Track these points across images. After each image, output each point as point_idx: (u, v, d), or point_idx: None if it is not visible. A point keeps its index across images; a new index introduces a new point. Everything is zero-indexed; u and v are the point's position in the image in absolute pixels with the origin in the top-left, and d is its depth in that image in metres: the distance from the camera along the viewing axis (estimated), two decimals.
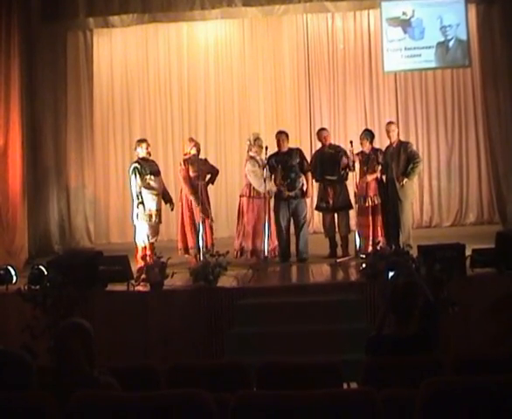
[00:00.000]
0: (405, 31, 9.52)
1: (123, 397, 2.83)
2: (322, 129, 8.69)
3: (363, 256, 7.16)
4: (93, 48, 10.19)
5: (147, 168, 7.88)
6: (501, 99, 9.45)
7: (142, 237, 7.85)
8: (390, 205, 7.99)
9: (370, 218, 7.97)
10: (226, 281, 6.74)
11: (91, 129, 10.18)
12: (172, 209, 8.25)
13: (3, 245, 8.56)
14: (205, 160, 8.40)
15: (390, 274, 6.08)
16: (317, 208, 8.53)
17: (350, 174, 8.14)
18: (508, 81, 9.26)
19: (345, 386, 3.84)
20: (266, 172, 7.83)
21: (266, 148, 7.91)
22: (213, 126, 10.92)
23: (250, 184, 8.03)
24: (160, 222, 8.03)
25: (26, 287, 6.33)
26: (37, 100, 9.47)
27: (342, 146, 8.47)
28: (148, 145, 8.08)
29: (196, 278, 6.57)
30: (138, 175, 7.79)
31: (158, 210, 7.95)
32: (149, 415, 2.64)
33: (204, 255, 7.50)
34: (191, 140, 8.42)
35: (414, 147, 8.55)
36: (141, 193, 7.78)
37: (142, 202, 7.77)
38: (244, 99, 10.91)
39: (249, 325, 6.24)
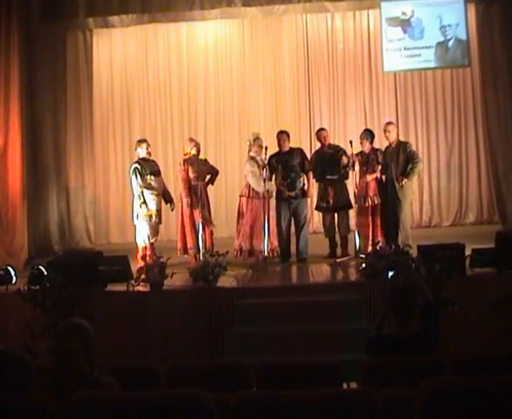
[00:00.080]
0: (405, 31, 9.52)
1: (123, 397, 2.83)
2: (322, 129, 8.70)
3: (363, 256, 7.16)
4: (92, 48, 10.18)
5: (147, 168, 7.90)
6: (500, 99, 9.45)
7: (143, 237, 7.87)
8: (389, 205, 7.99)
9: (370, 218, 7.97)
10: (226, 281, 6.74)
11: (90, 129, 10.18)
12: (173, 209, 8.26)
13: (2, 245, 8.56)
14: (205, 160, 8.40)
15: (390, 274, 6.08)
16: (317, 208, 8.53)
17: (350, 173, 8.15)
18: (507, 81, 9.26)
19: (345, 386, 3.84)
20: (265, 172, 7.83)
21: (266, 148, 7.91)
22: (213, 126, 10.92)
23: (249, 184, 8.03)
24: (160, 222, 8.04)
25: (26, 287, 6.33)
26: (36, 100, 9.47)
27: (342, 146, 8.49)
28: (149, 145, 8.09)
29: (195, 278, 6.57)
30: (139, 176, 7.82)
31: (158, 211, 7.96)
32: (149, 415, 2.65)
33: (203, 255, 7.51)
34: (191, 140, 8.42)
35: (413, 147, 8.55)
36: (142, 193, 7.80)
37: (145, 202, 7.78)
38: (243, 99, 10.91)
39: (249, 325, 6.24)
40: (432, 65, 9.76)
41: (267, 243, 7.76)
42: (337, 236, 8.23)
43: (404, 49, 9.53)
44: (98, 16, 9.52)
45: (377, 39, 10.18)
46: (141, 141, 8.14)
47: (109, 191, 10.88)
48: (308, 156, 8.49)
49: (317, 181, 8.30)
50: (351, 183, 8.18)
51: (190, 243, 8.00)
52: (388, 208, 7.99)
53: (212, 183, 8.39)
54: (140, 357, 6.09)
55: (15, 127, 8.78)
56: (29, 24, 9.25)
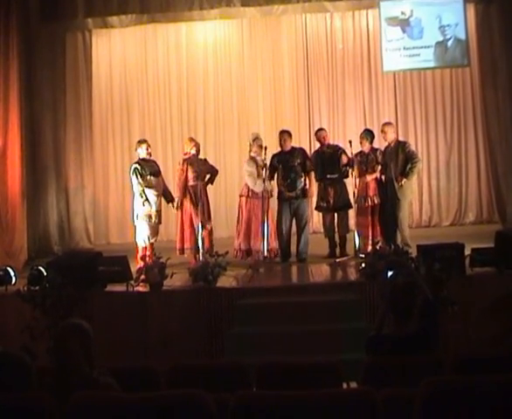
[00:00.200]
0: (404, 31, 9.52)
1: (123, 398, 2.83)
2: (321, 129, 8.71)
3: (363, 255, 7.16)
4: (91, 48, 10.17)
5: (147, 168, 7.93)
6: (499, 99, 9.46)
7: (143, 237, 7.88)
8: (388, 205, 7.99)
9: (370, 218, 7.98)
10: (226, 281, 6.74)
11: (90, 129, 10.18)
12: (177, 208, 8.20)
13: (2, 246, 8.55)
14: (205, 160, 8.40)
15: (390, 274, 6.07)
16: (317, 207, 8.52)
17: (350, 173, 8.15)
18: (506, 80, 9.26)
19: (345, 386, 3.84)
20: (264, 172, 7.82)
21: (266, 148, 7.90)
22: (212, 126, 10.91)
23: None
24: (160, 222, 8.05)
25: (26, 288, 6.33)
26: (36, 101, 9.47)
27: (341, 145, 8.49)
28: (149, 146, 8.12)
29: (195, 279, 6.57)
30: (139, 176, 7.83)
31: (158, 211, 7.97)
32: (149, 415, 2.64)
33: (203, 255, 7.50)
34: (191, 140, 8.42)
35: (412, 147, 8.55)
36: (144, 191, 7.81)
37: (147, 200, 7.80)
38: (243, 99, 10.90)
39: (249, 325, 6.24)
40: (432, 64, 9.76)
41: (267, 243, 7.76)
42: (337, 236, 8.23)
43: (404, 49, 9.53)
44: (97, 16, 9.51)
45: (376, 39, 10.18)
46: (141, 142, 8.16)
47: (109, 191, 10.87)
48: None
49: (317, 180, 8.30)
50: (351, 183, 8.18)
51: (187, 244, 8.00)
52: (387, 207, 7.99)
53: (212, 183, 8.39)
54: (139, 357, 6.08)
55: (14, 127, 8.78)
56: (28, 24, 9.25)
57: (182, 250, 8.05)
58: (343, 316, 6.17)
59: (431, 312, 3.90)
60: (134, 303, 6.51)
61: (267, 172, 7.88)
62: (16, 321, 6.22)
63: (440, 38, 9.46)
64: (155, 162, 8.19)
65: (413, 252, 6.67)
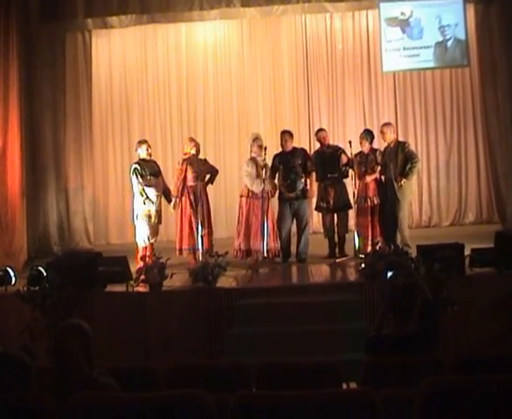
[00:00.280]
0: (404, 31, 9.52)
1: (123, 398, 2.83)
2: (321, 130, 8.71)
3: (362, 256, 7.16)
4: (91, 49, 10.17)
5: (147, 169, 7.94)
6: (499, 99, 9.46)
7: (143, 237, 7.88)
8: (388, 205, 7.99)
9: (370, 219, 7.98)
10: (226, 281, 6.74)
11: (90, 130, 10.17)
12: (175, 207, 8.20)
13: (2, 247, 8.54)
14: (205, 160, 8.40)
15: (389, 274, 6.07)
16: (317, 208, 8.51)
17: (350, 172, 8.15)
18: (506, 80, 9.26)
19: (345, 386, 3.84)
20: (264, 172, 7.82)
21: (265, 148, 7.91)
22: (212, 126, 10.91)
23: None
24: (160, 222, 8.06)
25: (25, 288, 6.33)
26: (35, 101, 9.47)
27: (341, 146, 8.49)
28: (149, 146, 8.13)
29: (195, 279, 6.57)
30: (139, 176, 7.83)
31: (158, 211, 7.97)
32: (149, 415, 2.64)
33: (203, 255, 7.50)
34: (191, 139, 8.42)
35: (412, 147, 8.54)
36: (144, 190, 7.82)
37: (148, 197, 7.80)
38: (243, 99, 10.91)
39: (249, 325, 6.24)
40: (431, 64, 9.76)
41: (266, 244, 7.75)
42: (336, 237, 8.23)
43: (403, 49, 9.53)
44: (97, 16, 9.52)
45: (375, 39, 10.18)
46: (141, 142, 8.17)
47: (108, 192, 10.87)
48: None
49: (317, 181, 8.30)
50: (351, 184, 8.19)
51: (185, 244, 7.99)
52: (387, 208, 7.99)
53: (212, 183, 8.39)
54: (139, 358, 6.09)
55: (14, 127, 8.78)
56: (28, 24, 9.25)
57: (181, 251, 8.05)
58: (343, 316, 6.17)
59: (431, 313, 3.90)
60: (133, 303, 6.51)
61: (268, 172, 7.88)
62: (16, 321, 6.23)
63: (440, 39, 9.46)
64: (155, 163, 8.20)
65: (413, 252, 6.68)
